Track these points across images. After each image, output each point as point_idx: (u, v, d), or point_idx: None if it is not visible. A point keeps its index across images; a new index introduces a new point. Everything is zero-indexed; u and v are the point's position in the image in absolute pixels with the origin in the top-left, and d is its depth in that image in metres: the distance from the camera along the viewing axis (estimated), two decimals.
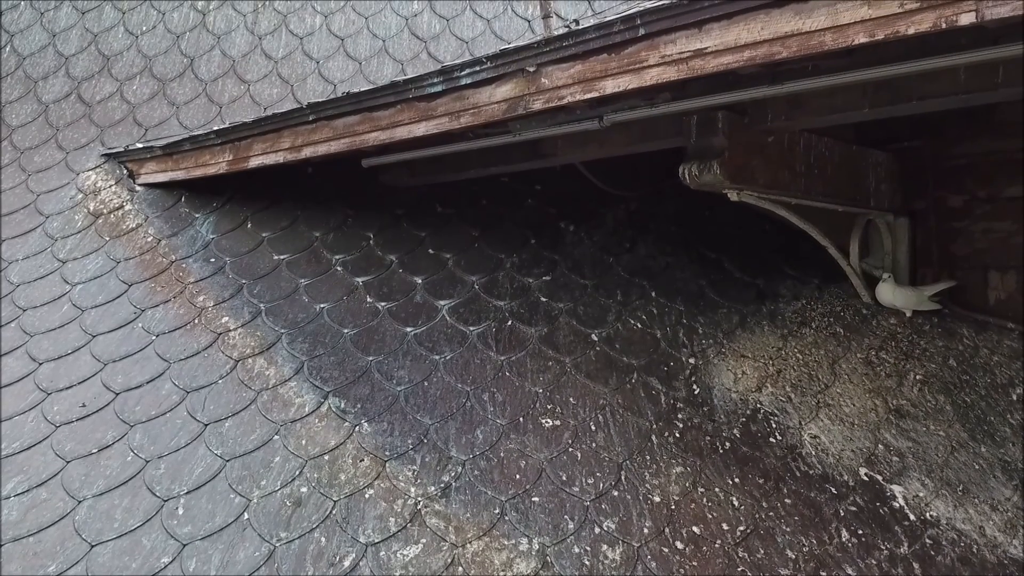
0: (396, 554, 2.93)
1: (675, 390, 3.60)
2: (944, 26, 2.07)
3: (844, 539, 3.06)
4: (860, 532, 3.09)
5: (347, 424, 3.41)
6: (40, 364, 3.82)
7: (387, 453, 3.29)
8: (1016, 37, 2.21)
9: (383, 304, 4.02)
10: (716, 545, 3.00)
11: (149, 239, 4.46)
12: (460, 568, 2.89)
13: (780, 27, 2.33)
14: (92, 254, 4.42)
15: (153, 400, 3.56)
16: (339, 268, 4.24)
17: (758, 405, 3.55)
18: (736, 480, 3.24)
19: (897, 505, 3.20)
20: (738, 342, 3.82)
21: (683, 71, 2.59)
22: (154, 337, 3.88)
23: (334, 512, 3.06)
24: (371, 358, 3.73)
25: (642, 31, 2.66)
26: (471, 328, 3.87)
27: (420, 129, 3.47)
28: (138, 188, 4.80)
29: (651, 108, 3.05)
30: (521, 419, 3.44)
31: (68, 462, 3.32)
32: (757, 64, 2.45)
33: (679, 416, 3.49)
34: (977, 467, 3.34)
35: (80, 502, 3.15)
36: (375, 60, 5.71)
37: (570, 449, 3.32)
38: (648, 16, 2.63)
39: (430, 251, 4.33)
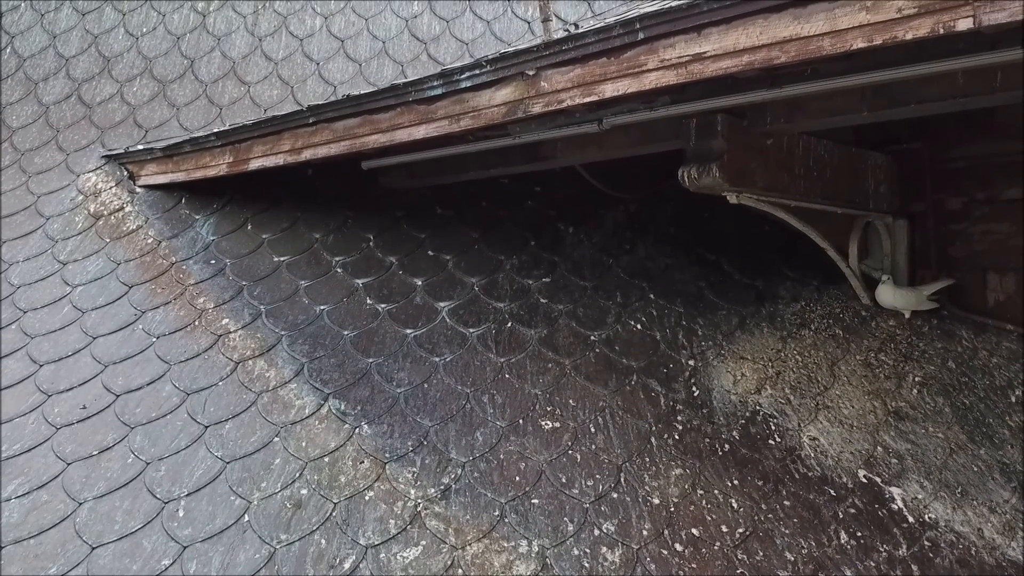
0: (396, 556, 2.94)
1: (674, 392, 3.61)
2: (942, 31, 2.08)
3: (843, 541, 3.07)
4: (859, 534, 3.10)
5: (347, 426, 3.42)
6: (41, 366, 3.83)
7: (387, 455, 3.30)
8: (1014, 42, 2.22)
9: (383, 306, 4.03)
10: (715, 547, 3.01)
11: (149, 241, 4.47)
12: (460, 570, 2.90)
13: (779, 32, 2.34)
14: (92, 256, 4.43)
15: (153, 402, 3.57)
16: (339, 270, 4.25)
17: (757, 407, 3.56)
18: (735, 482, 3.24)
19: (896, 507, 3.20)
20: (737, 344, 3.83)
21: (682, 75, 2.59)
22: (154, 339, 3.89)
23: (334, 514, 3.07)
24: (371, 360, 3.73)
25: (641, 35, 2.66)
26: (471, 330, 3.88)
27: (420, 132, 3.48)
28: (138, 190, 4.81)
29: (650, 111, 3.05)
30: (521, 421, 3.45)
31: (69, 464, 3.33)
32: (756, 68, 2.45)
33: (678, 418, 3.49)
34: (976, 469, 3.34)
35: (81, 504, 3.16)
36: (375, 61, 5.72)
37: (570, 451, 3.33)
38: (647, 20, 2.64)
39: (430, 253, 4.34)
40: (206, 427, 3.44)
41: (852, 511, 3.17)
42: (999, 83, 2.56)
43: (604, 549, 2.98)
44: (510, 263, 4.25)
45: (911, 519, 3.17)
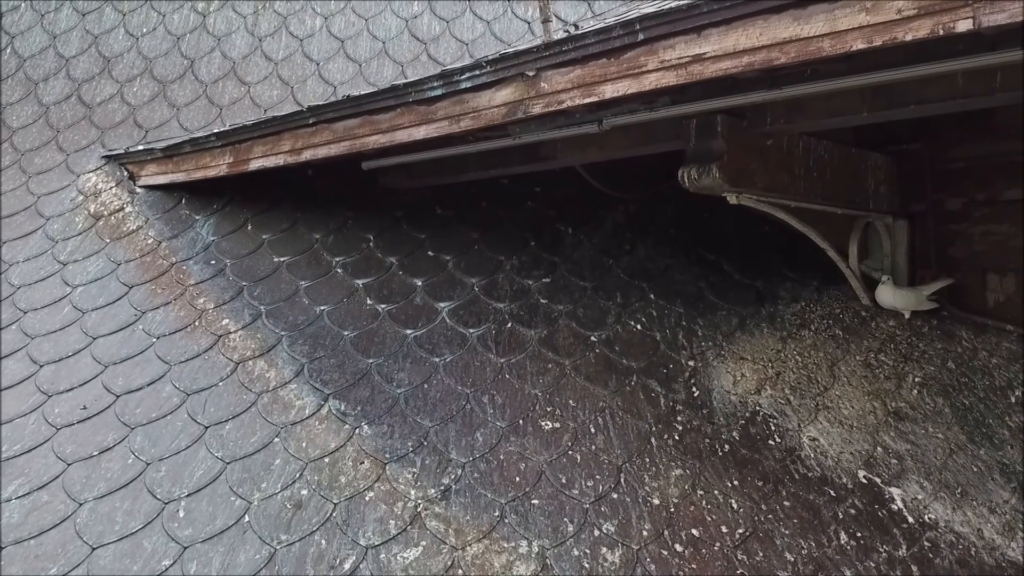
0: (396, 557, 2.94)
1: (674, 392, 3.61)
2: (941, 32, 2.08)
3: (843, 541, 3.07)
4: (859, 535, 3.10)
5: (347, 426, 3.42)
6: (41, 366, 3.83)
7: (387, 455, 3.30)
8: (1014, 42, 2.22)
9: (383, 306, 4.03)
10: (715, 548, 3.01)
11: (150, 241, 4.47)
12: (460, 571, 2.90)
13: (778, 33, 2.34)
14: (93, 256, 4.43)
15: (154, 402, 3.58)
16: (339, 270, 4.25)
17: (757, 407, 3.56)
18: (735, 483, 3.25)
19: (896, 507, 3.21)
20: (737, 344, 3.83)
21: (682, 76, 2.59)
22: (155, 339, 3.89)
23: (334, 515, 3.07)
24: (371, 360, 3.73)
25: (641, 36, 2.66)
26: (471, 330, 3.88)
27: (420, 132, 3.48)
28: (138, 190, 4.81)
29: (650, 112, 3.05)
30: (521, 421, 3.45)
31: (69, 464, 3.33)
32: (756, 69, 2.45)
33: (678, 418, 3.50)
34: (975, 469, 3.35)
35: (81, 505, 3.16)
36: (375, 62, 5.72)
37: (570, 451, 3.33)
38: (647, 21, 2.64)
39: (430, 253, 4.34)
40: (206, 427, 3.44)
41: (852, 511, 3.17)
42: (999, 84, 2.57)
43: (604, 549, 2.98)
44: (510, 263, 4.25)
45: (911, 519, 3.17)
